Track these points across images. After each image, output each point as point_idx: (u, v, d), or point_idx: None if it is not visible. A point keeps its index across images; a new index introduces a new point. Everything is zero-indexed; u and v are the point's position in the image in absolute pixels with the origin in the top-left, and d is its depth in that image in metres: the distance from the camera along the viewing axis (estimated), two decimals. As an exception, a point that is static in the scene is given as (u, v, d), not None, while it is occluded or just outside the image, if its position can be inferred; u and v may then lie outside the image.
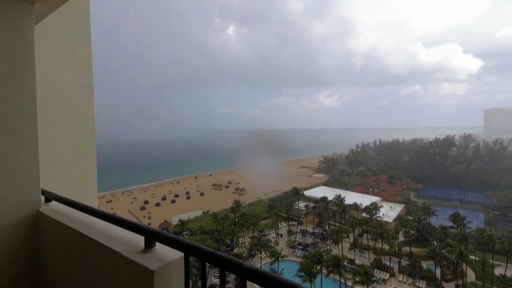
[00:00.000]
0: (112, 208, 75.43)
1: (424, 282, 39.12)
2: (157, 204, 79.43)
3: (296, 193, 71.53)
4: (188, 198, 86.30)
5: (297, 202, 67.25)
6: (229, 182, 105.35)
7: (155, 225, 60.71)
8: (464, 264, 38.77)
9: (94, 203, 3.27)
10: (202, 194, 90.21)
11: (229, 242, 50.36)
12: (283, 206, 63.15)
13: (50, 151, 3.01)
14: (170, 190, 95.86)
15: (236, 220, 57.32)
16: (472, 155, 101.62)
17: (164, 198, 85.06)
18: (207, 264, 1.41)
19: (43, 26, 2.67)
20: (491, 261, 40.59)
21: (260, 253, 45.61)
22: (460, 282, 37.61)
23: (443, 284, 38.58)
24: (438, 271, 40.46)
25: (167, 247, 1.56)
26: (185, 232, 52.88)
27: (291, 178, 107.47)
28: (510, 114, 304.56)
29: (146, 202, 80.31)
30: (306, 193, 76.93)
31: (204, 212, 69.10)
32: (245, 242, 52.62)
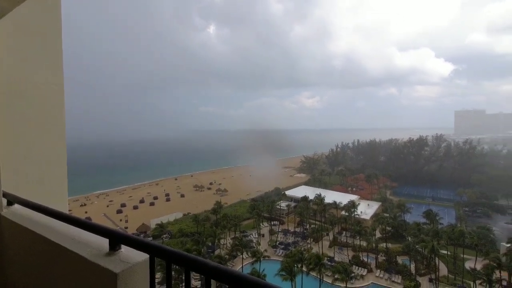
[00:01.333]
0: (86, 212, 72.08)
1: (400, 277, 40.57)
2: (135, 207, 76.81)
3: (278, 193, 72.07)
4: (168, 200, 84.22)
5: (279, 202, 67.65)
6: (211, 183, 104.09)
7: (132, 229, 58.63)
8: (436, 259, 40.57)
9: (64, 207, 3.12)
10: (182, 195, 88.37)
11: (210, 244, 49.61)
12: (265, 206, 63.22)
13: (17, 153, 2.87)
14: (148, 192, 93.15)
15: (218, 221, 56.68)
16: (444, 155, 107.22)
17: (142, 201, 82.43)
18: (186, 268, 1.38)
19: (7, 22, 2.59)
20: (462, 255, 42.82)
21: (242, 254, 45.29)
22: (433, 276, 39.33)
23: (417, 278, 40.17)
24: (412, 266, 42.12)
25: (133, 249, 1.55)
26: (164, 235, 51.44)
27: (273, 178, 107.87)
28: (478, 115, 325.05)
29: (123, 205, 77.44)
30: (288, 192, 77.62)
31: (184, 214, 67.68)
32: (226, 244, 52.07)
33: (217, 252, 48.29)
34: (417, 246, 41.27)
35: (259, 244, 53.29)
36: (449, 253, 43.37)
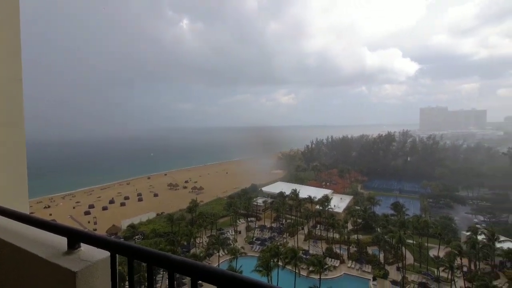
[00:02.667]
0: (50, 215, 67.50)
1: (370, 266, 42.54)
2: (104, 208, 73.12)
3: (255, 190, 72.26)
4: (140, 200, 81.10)
5: (255, 199, 67.86)
6: (186, 181, 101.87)
7: (102, 231, 55.74)
8: (403, 248, 43.01)
9: (25, 209, 2.89)
10: (156, 195, 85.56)
11: (185, 243, 48.59)
12: (242, 203, 63.12)
13: None
14: (119, 192, 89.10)
15: (194, 220, 55.63)
16: (410, 150, 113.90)
17: (112, 201, 78.66)
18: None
19: None
20: (426, 244, 45.71)
21: (218, 252, 44.87)
22: (400, 264, 41.67)
23: (386, 267, 42.40)
24: (381, 256, 44.34)
25: (94, 247, 1.55)
26: (136, 236, 49.49)
27: (250, 175, 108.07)
28: (441, 112, 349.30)
29: (91, 206, 73.41)
30: (265, 189, 78.21)
31: (158, 214, 65.60)
32: (202, 242, 51.33)
33: (192, 251, 47.43)
34: (385, 237, 43.42)
35: (236, 241, 53.17)
36: (414, 242, 46.19)
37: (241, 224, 60.30)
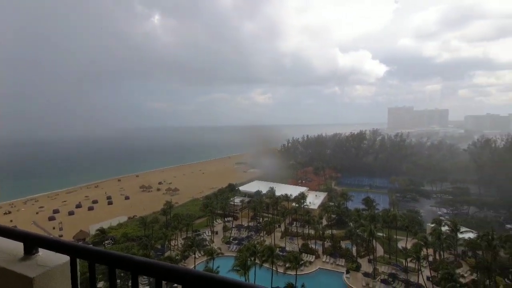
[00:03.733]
0: (11, 221, 62.58)
1: (343, 260, 43.95)
2: (70, 213, 68.71)
3: (232, 189, 71.61)
4: (110, 203, 77.19)
5: (232, 198, 67.30)
6: (160, 183, 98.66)
7: (68, 237, 52.25)
8: (374, 241, 44.93)
9: None
10: (127, 198, 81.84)
11: (159, 247, 46.95)
12: (219, 203, 62.32)
13: None
14: (86, 196, 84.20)
15: (168, 222, 53.96)
16: (379, 147, 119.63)
17: (79, 206, 74.16)
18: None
19: None
20: (395, 236, 48.05)
21: (194, 254, 43.87)
22: (371, 257, 43.47)
23: (358, 260, 44.04)
24: (354, 249, 45.98)
25: (53, 252, 1.52)
26: (106, 241, 46.92)
27: (227, 175, 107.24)
28: (407, 112, 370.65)
29: (56, 211, 68.76)
30: (242, 188, 77.86)
31: (129, 218, 62.88)
32: (178, 244, 49.94)
33: (167, 254, 45.94)
34: (357, 231, 45.08)
35: (213, 242, 52.38)
36: (384, 235, 48.42)
37: (218, 225, 59.54)
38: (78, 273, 1.50)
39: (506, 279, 35.30)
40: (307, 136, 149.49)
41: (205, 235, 55.12)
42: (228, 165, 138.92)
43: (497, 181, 73.27)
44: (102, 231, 46.92)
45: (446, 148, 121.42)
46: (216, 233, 56.18)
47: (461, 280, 34.89)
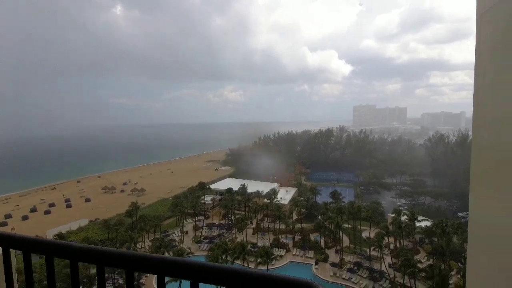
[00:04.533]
0: None
1: (312, 252, 45.37)
2: (24, 218, 62.68)
3: (203, 188, 70.31)
4: (69, 206, 71.66)
5: (203, 197, 66.06)
6: (125, 183, 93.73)
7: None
8: (340, 232, 46.94)
9: None
10: (87, 200, 76.57)
11: (125, 250, 44.56)
12: (189, 203, 60.80)
13: None
14: (42, 199, 77.28)
15: (134, 224, 51.45)
16: (345, 143, 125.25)
17: (34, 210, 67.91)
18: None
19: None
20: (359, 227, 50.68)
21: (163, 255, 42.33)
22: (338, 247, 45.41)
23: (326, 251, 45.75)
24: (322, 241, 47.67)
25: None
26: (64, 247, 43.43)
27: (197, 173, 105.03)
28: (370, 110, 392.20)
29: (8, 216, 62.43)
30: (213, 186, 76.80)
31: (91, 221, 58.95)
32: (145, 247, 47.83)
33: (133, 257, 43.82)
34: (325, 223, 46.78)
35: (183, 242, 51.07)
36: (350, 226, 50.80)
37: (188, 224, 58.15)
38: (14, 264, 1.42)
39: (459, 263, 38.77)
40: (278, 133, 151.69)
41: (174, 235, 53.52)
42: (199, 164, 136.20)
43: (450, 173, 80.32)
44: (60, 236, 43.33)
45: (405, 143, 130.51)
46: (186, 233, 54.82)
47: (419, 265, 37.77)
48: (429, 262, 39.26)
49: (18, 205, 72.46)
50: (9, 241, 1.35)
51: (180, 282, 31.80)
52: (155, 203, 71.29)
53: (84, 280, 33.34)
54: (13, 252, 1.49)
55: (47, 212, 66.84)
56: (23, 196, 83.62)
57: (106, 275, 35.15)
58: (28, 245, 1.30)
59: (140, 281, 39.50)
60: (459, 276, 36.49)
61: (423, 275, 35.47)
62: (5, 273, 1.39)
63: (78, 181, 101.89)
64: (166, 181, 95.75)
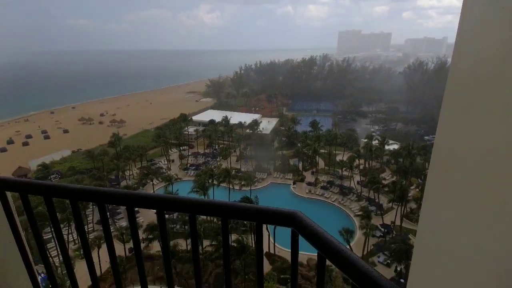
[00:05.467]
0: None
1: (291, 174, 49.91)
2: (2, 150, 61.45)
3: (185, 120, 70.27)
4: (47, 138, 70.27)
5: (186, 128, 66.60)
6: (102, 115, 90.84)
7: (5, 174, 47.64)
8: (317, 157, 50.96)
9: None
10: (66, 131, 74.91)
11: (113, 177, 46.54)
12: (172, 133, 61.42)
13: None
14: (17, 131, 74.38)
15: (119, 154, 52.34)
16: (327, 73, 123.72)
17: (11, 141, 66.16)
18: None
19: None
20: (334, 152, 54.88)
21: (152, 181, 44.95)
22: (314, 170, 50.03)
23: (304, 173, 50.43)
24: (300, 165, 51.98)
25: None
26: (52, 176, 44.49)
27: (178, 105, 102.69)
28: (355, 35, 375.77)
29: (-18, 150, 60.54)
30: (195, 118, 76.71)
31: (73, 151, 59.05)
32: (133, 174, 49.96)
33: (123, 183, 46.18)
34: (304, 150, 50.22)
35: (170, 169, 53.57)
36: (326, 151, 54.91)
37: (174, 154, 59.95)
38: (12, 205, 1.43)
39: (419, 179, 44.47)
40: (260, 62, 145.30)
41: (161, 163, 55.62)
42: (178, 95, 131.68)
43: (424, 100, 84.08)
44: (45, 166, 43.68)
45: (385, 71, 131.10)
46: (173, 161, 57.00)
47: (384, 182, 43.18)
48: (393, 179, 44.84)
49: (-9, 139, 69.76)
50: (4, 184, 1.35)
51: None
52: (137, 134, 71.27)
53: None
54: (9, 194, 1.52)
55: (25, 144, 65.53)
56: (-6, 128, 79.70)
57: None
58: (24, 187, 1.33)
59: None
60: (417, 189, 42.32)
61: (386, 189, 40.88)
62: (6, 216, 1.43)
63: (52, 112, 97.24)
64: (146, 113, 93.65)
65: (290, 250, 1.12)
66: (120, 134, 61.96)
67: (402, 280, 27.25)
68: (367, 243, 31.98)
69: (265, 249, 32.92)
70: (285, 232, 1.15)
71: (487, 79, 0.68)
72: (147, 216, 32.81)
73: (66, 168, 48.27)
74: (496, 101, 0.65)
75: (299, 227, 1.01)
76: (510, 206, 0.62)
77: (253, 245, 26.23)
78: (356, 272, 0.79)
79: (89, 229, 34.84)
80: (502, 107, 0.63)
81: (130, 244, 31.60)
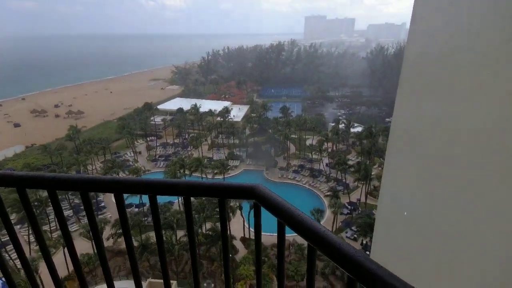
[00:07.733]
0: None
1: (264, 160, 50.51)
2: None
3: (150, 109, 67.08)
4: (-5, 133, 62.97)
5: (153, 118, 63.66)
6: (57, 106, 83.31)
7: None
8: (288, 142, 52.03)
9: None
10: (17, 125, 67.80)
11: (74, 173, 43.42)
12: (137, 124, 58.35)
13: None
14: (-44, 127, 65.74)
15: (79, 148, 48.79)
16: (296, 58, 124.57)
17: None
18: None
19: None
20: (304, 137, 56.33)
21: (118, 174, 42.72)
22: (286, 155, 51.13)
23: (275, 158, 51.30)
24: (272, 151, 52.74)
25: None
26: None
27: (142, 93, 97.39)
28: (321, 21, 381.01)
29: None
30: (162, 106, 73.56)
31: (27, 147, 53.85)
32: (96, 168, 47.08)
33: (87, 179, 43.37)
34: (275, 136, 50.89)
35: (137, 161, 51.37)
36: (296, 136, 56.20)
37: (140, 145, 57.41)
38: None
39: (381, 158, 47.50)
40: (228, 48, 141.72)
41: (127, 156, 53.08)
42: (141, 83, 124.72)
43: (384, 83, 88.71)
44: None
45: (349, 57, 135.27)
46: (140, 153, 54.62)
47: (349, 162, 45.53)
48: (358, 160, 47.47)
49: None
50: None
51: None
52: (98, 125, 66.84)
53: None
54: None
55: (-33, 142, 58.18)
56: None
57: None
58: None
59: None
60: (380, 168, 45.39)
61: (352, 170, 43.26)
62: None
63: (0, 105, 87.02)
64: (106, 102, 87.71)
65: (260, 231, 1.15)
66: (79, 127, 57.78)
67: (368, 252, 29.48)
68: (335, 220, 33.92)
69: (240, 234, 33.48)
70: (263, 218, 1.15)
71: (437, 60, 0.71)
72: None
73: (20, 165, 43.98)
74: (446, 81, 0.69)
75: (260, 199, 1.04)
76: (459, 179, 0.68)
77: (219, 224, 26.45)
78: (310, 232, 0.83)
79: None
80: (452, 87, 0.67)
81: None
